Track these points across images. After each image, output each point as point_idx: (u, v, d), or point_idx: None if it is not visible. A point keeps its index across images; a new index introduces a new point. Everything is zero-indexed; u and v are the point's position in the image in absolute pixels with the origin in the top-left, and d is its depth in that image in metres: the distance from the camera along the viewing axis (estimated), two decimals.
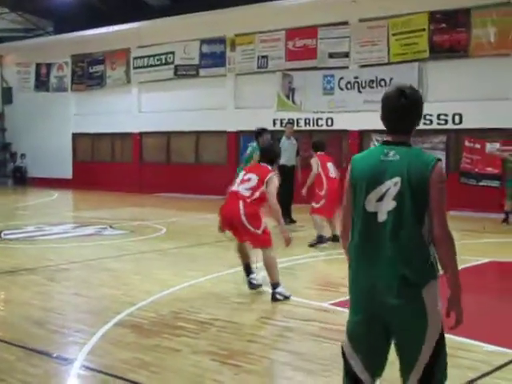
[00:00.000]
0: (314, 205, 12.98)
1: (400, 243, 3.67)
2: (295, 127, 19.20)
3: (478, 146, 18.68)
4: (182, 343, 6.62)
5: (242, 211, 8.42)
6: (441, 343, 3.79)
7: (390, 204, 3.69)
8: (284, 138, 16.43)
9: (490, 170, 18.47)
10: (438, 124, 19.11)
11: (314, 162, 13.13)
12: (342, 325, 7.00)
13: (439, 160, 3.74)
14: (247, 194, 8.52)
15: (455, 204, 18.25)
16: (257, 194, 8.51)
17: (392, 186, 3.68)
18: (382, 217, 3.71)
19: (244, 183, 8.62)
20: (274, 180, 8.62)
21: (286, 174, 15.67)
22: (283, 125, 20.58)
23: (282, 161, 16.04)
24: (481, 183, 18.60)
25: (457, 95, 18.82)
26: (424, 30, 19.31)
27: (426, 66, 19.50)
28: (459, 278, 3.76)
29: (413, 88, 3.84)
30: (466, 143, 18.90)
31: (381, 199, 3.71)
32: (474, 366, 5.90)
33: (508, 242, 13.61)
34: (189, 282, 9.50)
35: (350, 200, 3.89)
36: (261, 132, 14.74)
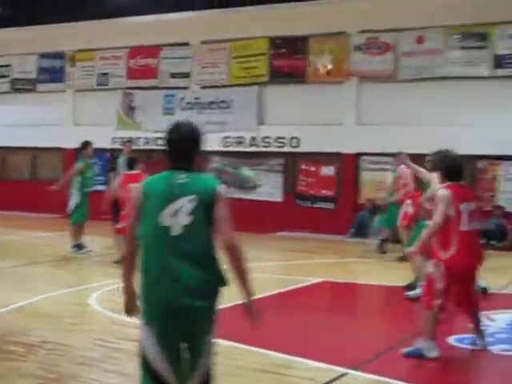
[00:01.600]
0: (118, 225, 12.30)
1: (195, 255, 4.03)
2: (134, 146, 19.03)
3: (313, 168, 19.30)
4: (9, 367, 6.37)
5: None
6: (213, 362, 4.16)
7: (185, 219, 4.06)
8: (122, 157, 16.23)
9: (324, 192, 19.10)
10: (276, 147, 19.56)
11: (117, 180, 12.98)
12: None
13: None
14: None
15: (290, 225, 18.76)
16: None
17: (187, 202, 4.07)
18: (176, 231, 4.06)
19: None
20: None
21: None
22: (122, 143, 20.35)
23: None
24: (315, 205, 19.18)
25: (295, 119, 19.34)
26: (264, 54, 19.78)
27: (266, 89, 19.95)
28: (251, 283, 4.15)
29: (191, 123, 4.33)
30: (302, 166, 19.47)
31: (175, 215, 4.07)
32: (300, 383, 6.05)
33: (339, 262, 14.09)
34: (19, 302, 9.16)
35: (137, 218, 4.20)
36: (85, 145, 14.65)
